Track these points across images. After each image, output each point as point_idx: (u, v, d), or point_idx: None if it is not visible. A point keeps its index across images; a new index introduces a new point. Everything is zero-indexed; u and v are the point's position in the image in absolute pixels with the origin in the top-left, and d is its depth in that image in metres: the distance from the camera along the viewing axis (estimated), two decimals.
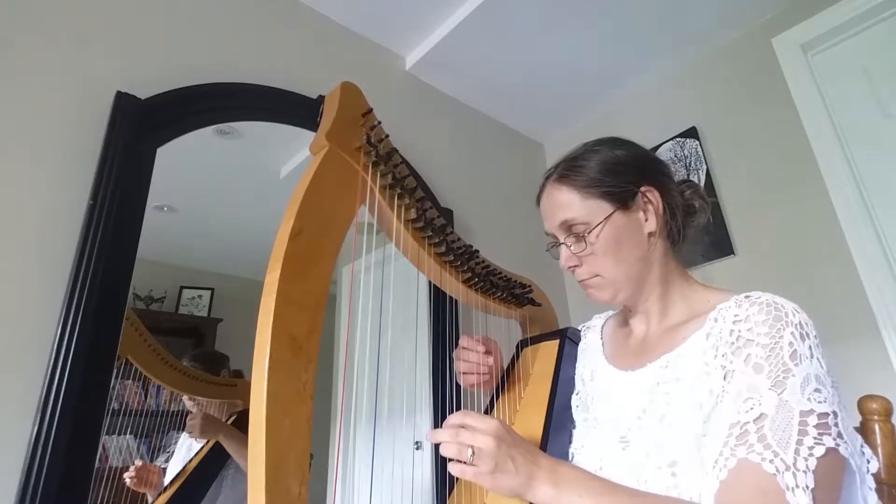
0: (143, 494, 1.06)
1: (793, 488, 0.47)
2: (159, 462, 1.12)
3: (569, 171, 0.73)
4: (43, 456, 0.85)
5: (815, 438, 0.49)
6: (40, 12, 1.10)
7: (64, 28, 1.12)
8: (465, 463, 0.53)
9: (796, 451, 0.49)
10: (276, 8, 1.55)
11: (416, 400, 1.40)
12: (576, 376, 0.81)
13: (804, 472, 0.48)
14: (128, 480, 1.03)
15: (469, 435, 0.54)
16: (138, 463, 1.06)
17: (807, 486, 0.47)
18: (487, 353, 0.82)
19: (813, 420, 0.50)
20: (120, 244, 1.02)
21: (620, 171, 0.71)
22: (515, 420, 0.77)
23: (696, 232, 0.77)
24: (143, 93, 1.14)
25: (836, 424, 0.51)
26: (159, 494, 1.07)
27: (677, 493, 0.56)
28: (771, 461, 0.49)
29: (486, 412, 0.83)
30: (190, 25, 1.33)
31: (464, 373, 0.83)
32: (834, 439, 0.50)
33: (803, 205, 1.60)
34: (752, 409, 0.52)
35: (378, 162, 0.65)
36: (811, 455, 0.49)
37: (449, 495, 0.70)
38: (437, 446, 0.56)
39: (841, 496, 0.52)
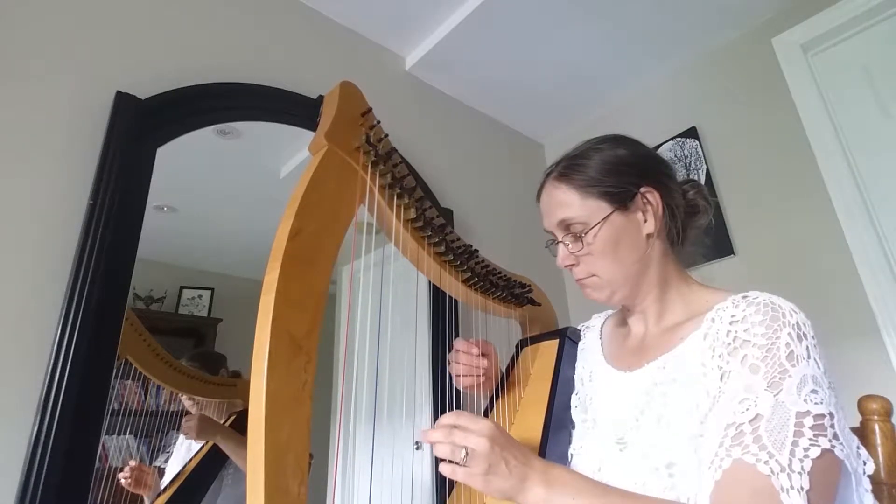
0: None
1: (787, 490, 0.47)
2: (159, 462, 1.12)
3: (569, 169, 0.72)
4: (43, 456, 0.85)
5: (810, 440, 0.49)
6: (40, 12, 1.10)
7: (64, 28, 1.12)
8: (456, 464, 0.53)
9: (791, 453, 0.49)
10: (276, 8, 1.55)
11: (416, 399, 1.40)
12: (575, 376, 0.81)
13: (799, 473, 0.48)
14: (122, 481, 1.03)
15: (462, 436, 0.53)
16: (132, 463, 1.05)
17: (801, 488, 0.47)
18: (484, 355, 0.82)
19: (809, 421, 0.50)
20: (120, 244, 1.02)
21: (621, 171, 0.71)
22: (515, 420, 0.76)
23: (699, 233, 0.76)
24: (143, 93, 1.14)
25: (832, 426, 0.51)
26: (158, 495, 1.06)
27: (675, 495, 0.56)
28: (766, 462, 0.48)
29: (485, 412, 0.83)
30: (190, 25, 1.33)
31: (459, 375, 0.82)
32: (829, 441, 0.50)
33: (803, 205, 1.60)
34: (747, 409, 0.52)
35: (377, 161, 0.65)
36: (806, 456, 0.48)
37: (449, 495, 0.70)
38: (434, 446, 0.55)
39: (836, 498, 0.52)
